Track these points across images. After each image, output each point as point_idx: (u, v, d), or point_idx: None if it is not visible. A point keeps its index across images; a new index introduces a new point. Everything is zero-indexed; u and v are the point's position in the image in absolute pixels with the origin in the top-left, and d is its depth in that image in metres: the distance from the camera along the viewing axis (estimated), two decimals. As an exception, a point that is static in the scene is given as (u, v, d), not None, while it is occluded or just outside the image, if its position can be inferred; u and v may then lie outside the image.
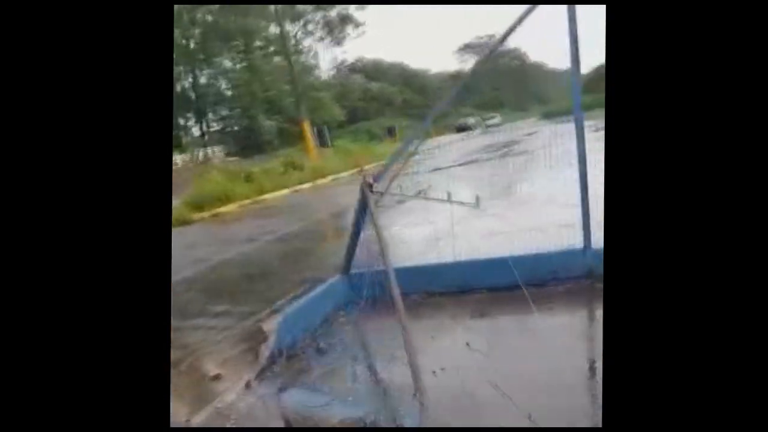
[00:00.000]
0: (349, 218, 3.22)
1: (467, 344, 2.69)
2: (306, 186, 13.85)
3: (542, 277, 3.25)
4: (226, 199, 11.45)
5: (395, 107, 41.45)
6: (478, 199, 3.01)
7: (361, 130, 35.41)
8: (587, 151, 3.08)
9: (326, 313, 3.39)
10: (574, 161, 3.13)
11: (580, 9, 2.81)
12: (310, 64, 37.26)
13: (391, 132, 32.12)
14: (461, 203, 3.08)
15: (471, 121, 39.03)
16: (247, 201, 11.89)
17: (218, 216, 10.79)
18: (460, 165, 12.07)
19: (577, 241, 3.26)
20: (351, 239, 3.33)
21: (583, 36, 2.83)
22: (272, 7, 29.61)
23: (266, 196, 12.47)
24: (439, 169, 6.76)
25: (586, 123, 3.09)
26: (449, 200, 3.05)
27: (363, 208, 3.01)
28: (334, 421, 2.19)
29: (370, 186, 2.89)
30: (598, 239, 3.18)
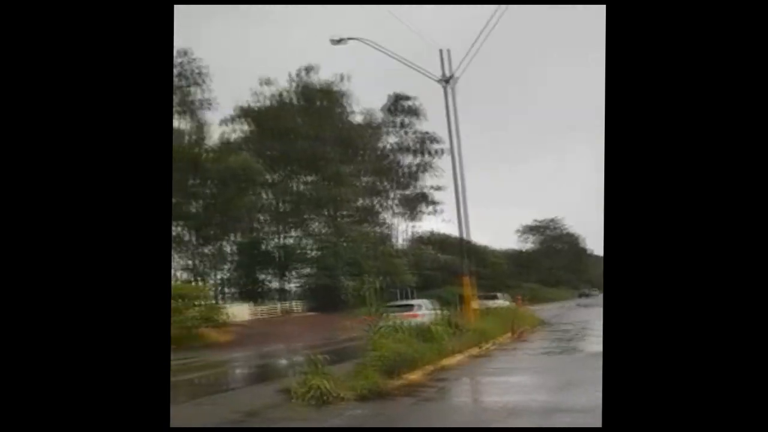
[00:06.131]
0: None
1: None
2: (475, 351, 11.92)
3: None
4: (411, 364, 9.42)
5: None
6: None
7: (432, 295, 35.71)
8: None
9: None
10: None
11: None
12: (385, 233, 38.86)
13: (462, 299, 31.63)
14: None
15: (588, 291, 59.20)
16: (430, 367, 9.85)
17: (411, 386, 8.65)
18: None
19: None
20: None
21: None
22: (362, 181, 31.51)
23: (446, 362, 10.46)
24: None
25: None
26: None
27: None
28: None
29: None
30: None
